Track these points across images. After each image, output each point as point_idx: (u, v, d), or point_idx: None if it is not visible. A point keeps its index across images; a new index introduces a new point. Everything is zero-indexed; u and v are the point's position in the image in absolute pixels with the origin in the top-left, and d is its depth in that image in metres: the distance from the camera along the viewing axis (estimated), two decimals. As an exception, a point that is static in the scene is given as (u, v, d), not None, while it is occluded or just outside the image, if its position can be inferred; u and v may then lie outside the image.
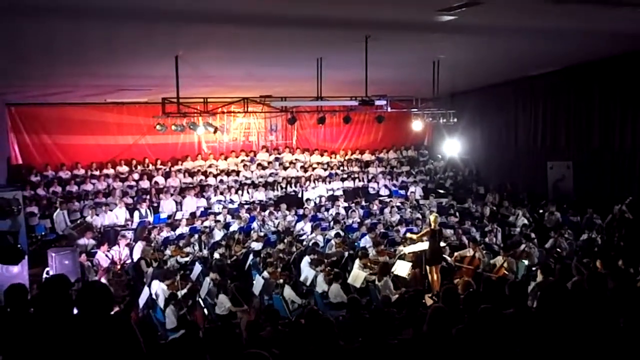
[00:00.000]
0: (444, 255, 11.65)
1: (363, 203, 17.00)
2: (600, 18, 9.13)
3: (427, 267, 11.33)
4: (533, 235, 12.66)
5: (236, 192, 17.32)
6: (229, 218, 15.13)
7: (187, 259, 12.58)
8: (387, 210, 15.97)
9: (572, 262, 9.35)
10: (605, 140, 14.46)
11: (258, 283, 10.50)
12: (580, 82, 14.90)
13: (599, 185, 14.85)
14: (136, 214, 15.25)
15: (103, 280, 10.81)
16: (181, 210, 15.91)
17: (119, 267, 11.89)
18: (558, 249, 11.95)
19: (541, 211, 15.02)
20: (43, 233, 14.11)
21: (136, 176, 17.42)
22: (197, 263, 11.88)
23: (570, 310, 4.85)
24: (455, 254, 11.61)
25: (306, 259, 11.61)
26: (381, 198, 17.80)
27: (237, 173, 18.46)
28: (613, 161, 14.44)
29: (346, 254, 12.29)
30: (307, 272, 11.32)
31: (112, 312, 4.05)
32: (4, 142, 16.04)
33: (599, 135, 14.63)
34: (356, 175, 19.37)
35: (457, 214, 15.48)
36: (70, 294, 3.97)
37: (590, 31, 10.09)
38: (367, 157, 20.85)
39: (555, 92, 15.99)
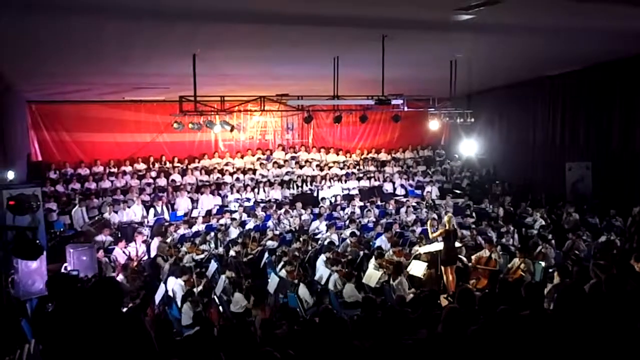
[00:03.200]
0: (459, 256, 11.58)
1: (379, 202, 16.94)
2: (621, 16, 9.00)
3: (442, 268, 11.28)
4: (550, 236, 12.53)
5: (252, 191, 17.39)
6: (244, 216, 15.19)
7: (202, 256, 12.64)
8: (403, 210, 15.90)
9: (589, 264, 9.24)
10: (625, 141, 14.26)
11: (273, 281, 10.51)
12: (600, 82, 14.70)
13: (618, 186, 14.64)
14: (152, 211, 15.37)
15: (120, 276, 10.91)
16: (197, 207, 16.00)
17: (135, 263, 11.99)
18: (576, 251, 11.81)
19: (559, 212, 14.86)
20: (62, 229, 14.28)
21: (153, 174, 17.60)
22: (212, 260, 11.93)
23: (588, 313, 4.79)
24: (473, 257, 11.51)
25: (321, 258, 11.61)
26: (397, 198, 17.73)
27: (254, 171, 18.54)
28: (633, 162, 14.23)
29: (361, 253, 12.27)
30: (322, 271, 11.31)
31: (127, 308, 4.11)
32: (24, 139, 16.27)
33: (618, 136, 14.43)
34: (372, 175, 19.32)
35: (474, 214, 15.37)
36: (76, 289, 4.03)
37: (611, 30, 9.96)
38: (383, 156, 20.84)
39: (574, 92, 15.80)
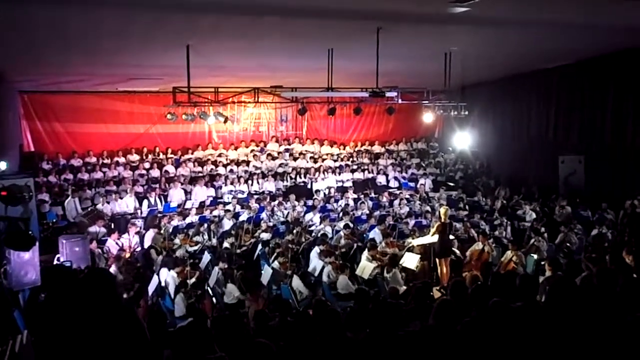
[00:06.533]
0: (453, 249, 11.62)
1: (372, 195, 16.97)
2: (617, 10, 9.01)
3: (437, 260, 11.31)
4: (543, 229, 12.59)
5: (246, 182, 17.37)
6: (238, 208, 15.19)
7: (196, 247, 12.64)
8: (396, 203, 15.95)
9: (581, 257, 9.31)
10: (617, 135, 14.31)
11: (266, 273, 10.54)
12: (594, 75, 14.72)
13: (611, 180, 14.70)
14: (145, 202, 15.33)
15: (113, 267, 10.90)
16: (191, 199, 15.99)
17: (128, 254, 11.97)
18: (568, 244, 11.88)
19: (551, 205, 14.93)
20: (54, 220, 14.24)
21: (147, 165, 17.54)
22: (206, 252, 11.93)
23: (579, 306, 4.83)
24: (468, 253, 11.55)
25: (315, 250, 11.63)
26: (391, 190, 17.76)
27: (247, 163, 18.52)
28: (625, 157, 14.29)
29: (355, 245, 12.29)
30: (315, 262, 11.34)
31: (119, 299, 4.09)
32: (16, 129, 16.17)
33: (611, 129, 14.48)
34: (366, 167, 19.35)
35: (467, 207, 15.42)
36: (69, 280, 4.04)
37: (606, 24, 9.97)
38: (377, 148, 20.86)
39: (568, 86, 15.82)
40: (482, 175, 19.17)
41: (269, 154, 19.10)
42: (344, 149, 20.56)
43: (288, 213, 15.17)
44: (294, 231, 13.11)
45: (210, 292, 10.05)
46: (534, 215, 14.06)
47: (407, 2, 8.26)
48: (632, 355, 4.44)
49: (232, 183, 17.15)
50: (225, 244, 12.65)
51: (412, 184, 18.17)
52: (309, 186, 17.97)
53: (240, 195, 16.29)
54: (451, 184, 18.37)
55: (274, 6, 8.14)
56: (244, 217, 14.30)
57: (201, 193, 16.34)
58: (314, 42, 10.93)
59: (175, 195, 16.06)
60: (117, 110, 18.12)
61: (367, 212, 15.00)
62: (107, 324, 3.70)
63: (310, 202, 15.81)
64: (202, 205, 15.47)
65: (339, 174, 18.64)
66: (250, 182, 17.55)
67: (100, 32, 9.42)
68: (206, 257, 11.56)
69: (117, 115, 18.14)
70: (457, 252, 11.70)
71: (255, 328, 6.26)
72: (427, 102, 14.59)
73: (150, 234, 12.91)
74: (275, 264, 10.92)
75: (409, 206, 15.66)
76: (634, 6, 8.44)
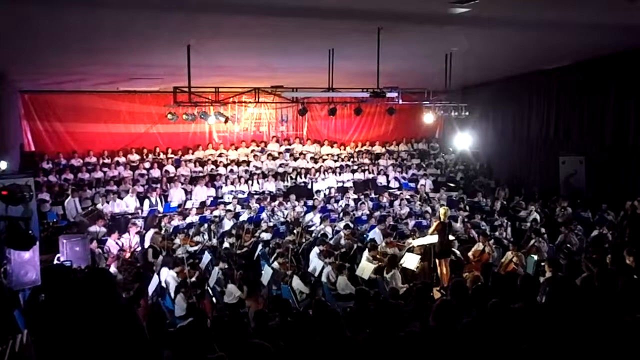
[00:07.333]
0: (453, 249, 11.61)
1: (373, 195, 16.96)
2: (618, 10, 9.00)
3: (437, 261, 11.30)
4: (543, 230, 12.57)
5: (246, 182, 17.37)
6: (238, 208, 15.18)
7: (196, 247, 12.63)
8: (396, 203, 15.93)
9: (581, 258, 9.30)
10: (618, 135, 14.29)
11: (267, 273, 10.53)
12: (594, 76, 14.71)
13: (612, 181, 14.70)
14: (146, 202, 15.33)
15: (113, 267, 10.89)
16: (191, 199, 15.98)
17: (128, 254, 11.96)
18: (568, 245, 11.86)
19: (552, 206, 14.91)
20: (55, 220, 14.23)
21: (147, 165, 17.55)
22: (206, 252, 11.92)
23: (579, 306, 4.82)
24: (469, 253, 11.54)
25: (315, 250, 11.62)
26: (391, 190, 17.75)
27: (248, 163, 18.52)
28: (626, 158, 14.27)
29: (355, 245, 12.28)
30: (315, 263, 11.33)
31: (118, 299, 4.10)
32: (17, 129, 16.18)
33: (612, 130, 14.46)
34: (366, 168, 19.34)
35: (467, 207, 15.40)
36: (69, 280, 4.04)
37: (607, 24, 9.96)
38: (377, 149, 20.86)
39: (569, 87, 15.81)
40: (482, 175, 19.15)
41: (269, 154, 19.10)
42: (345, 149, 20.56)
43: (288, 213, 15.16)
44: (295, 231, 13.10)
45: (210, 292, 10.04)
46: (537, 216, 14.01)
47: (408, 2, 8.26)
48: (632, 356, 4.44)
49: (232, 183, 17.16)
50: (226, 244, 12.63)
51: (412, 185, 18.15)
52: (309, 186, 17.96)
53: (240, 196, 16.29)
54: (452, 185, 18.34)
55: (275, 6, 8.13)
56: (244, 217, 14.29)
57: (201, 193, 16.34)
58: (314, 42, 10.93)
59: (176, 195, 16.06)
60: (117, 110, 18.15)
61: (368, 212, 14.98)
62: (107, 324, 3.71)
63: (310, 203, 15.79)
64: (202, 205, 15.46)
65: (340, 174, 18.65)
66: (250, 182, 17.54)
67: (102, 31, 9.41)
68: (206, 257, 11.55)
69: (117, 115, 18.16)
70: (457, 252, 11.69)
71: (255, 328, 6.26)
72: (427, 102, 14.57)
73: (150, 234, 12.90)
74: (276, 264, 10.92)
75: (409, 207, 15.64)
76: (635, 6, 8.43)
